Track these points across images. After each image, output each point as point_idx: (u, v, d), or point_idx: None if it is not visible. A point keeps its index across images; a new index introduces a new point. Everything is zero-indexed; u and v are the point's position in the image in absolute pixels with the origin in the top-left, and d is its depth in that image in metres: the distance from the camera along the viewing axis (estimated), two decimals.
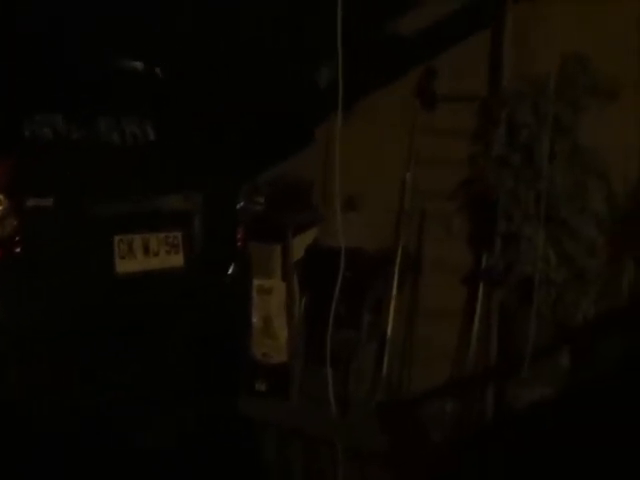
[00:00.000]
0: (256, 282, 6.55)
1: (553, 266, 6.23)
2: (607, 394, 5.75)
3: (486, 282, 6.59)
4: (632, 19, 6.19)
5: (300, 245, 6.82)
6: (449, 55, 6.69)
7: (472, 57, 6.63)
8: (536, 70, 6.23)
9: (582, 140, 6.22)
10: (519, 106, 6.32)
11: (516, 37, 6.52)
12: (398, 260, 6.79)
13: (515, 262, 6.36)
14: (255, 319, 6.65)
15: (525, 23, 6.46)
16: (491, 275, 6.52)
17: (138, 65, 5.81)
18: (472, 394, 6.68)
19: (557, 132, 6.12)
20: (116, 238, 5.25)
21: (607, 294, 6.23)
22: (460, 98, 6.61)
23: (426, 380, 6.83)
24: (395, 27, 6.87)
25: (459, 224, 6.69)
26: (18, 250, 4.73)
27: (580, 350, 6.29)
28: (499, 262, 6.45)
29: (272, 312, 6.66)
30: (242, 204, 6.31)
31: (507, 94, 6.44)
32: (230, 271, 6.08)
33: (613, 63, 6.10)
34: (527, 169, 6.25)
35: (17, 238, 4.72)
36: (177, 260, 5.70)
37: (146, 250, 5.47)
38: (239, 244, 6.23)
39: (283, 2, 6.46)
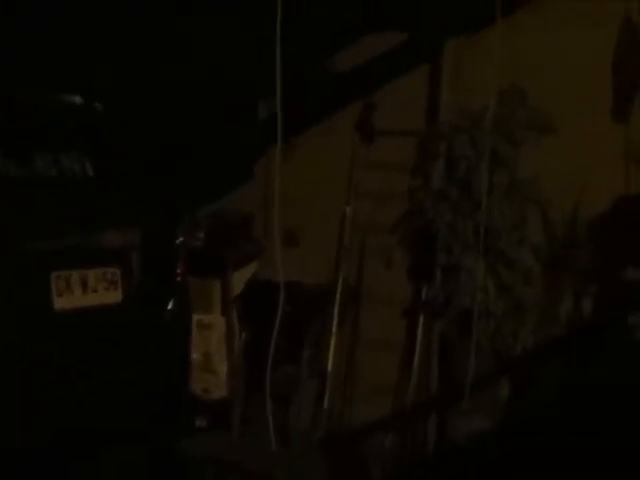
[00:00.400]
0: (196, 317, 6.49)
1: (492, 297, 6.28)
2: (546, 423, 5.79)
3: (426, 314, 6.62)
4: (566, 52, 6.33)
5: (240, 279, 6.79)
6: (388, 89, 6.75)
7: (410, 91, 6.70)
8: (473, 104, 6.31)
9: (519, 172, 6.30)
10: (457, 140, 6.39)
11: (453, 71, 6.62)
12: (338, 294, 6.80)
13: (455, 293, 6.40)
14: (195, 354, 6.58)
15: (462, 58, 6.56)
16: (431, 307, 6.55)
17: (77, 100, 5.75)
18: (413, 426, 6.69)
19: (495, 165, 6.19)
20: (53, 274, 5.16)
21: (545, 323, 6.29)
22: (399, 132, 6.66)
23: (367, 413, 6.83)
24: (334, 62, 6.92)
25: (399, 257, 6.72)
26: None
27: (519, 380, 6.34)
28: (439, 294, 6.49)
29: (212, 347, 6.61)
30: (181, 239, 6.26)
31: (445, 128, 6.52)
32: (169, 307, 6.02)
33: (549, 96, 6.20)
34: (466, 202, 6.31)
35: None
36: (115, 296, 5.62)
37: (84, 286, 5.39)
38: (178, 279, 6.16)
39: (222, 37, 6.45)
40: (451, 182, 6.42)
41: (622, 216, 6.25)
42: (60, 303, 5.18)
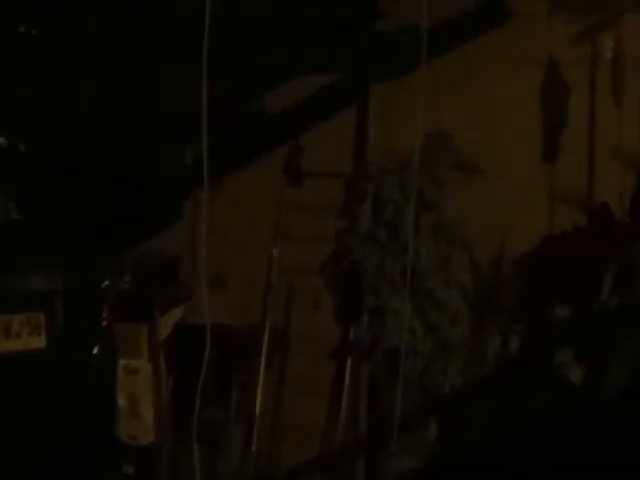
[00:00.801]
0: (122, 362, 6.40)
1: (419, 337, 6.31)
2: (473, 461, 5.81)
3: (354, 355, 6.62)
4: (491, 97, 6.44)
5: (167, 323, 6.71)
6: (316, 131, 6.78)
7: (338, 133, 6.75)
8: (400, 146, 6.37)
9: (446, 213, 6.37)
10: (385, 182, 6.44)
11: (381, 114, 6.68)
12: (266, 336, 6.76)
13: (382, 334, 6.41)
14: (121, 400, 6.48)
15: (389, 100, 6.64)
16: (359, 348, 6.55)
17: (1, 141, 5.69)
18: (342, 468, 6.66)
19: (422, 207, 6.24)
20: None
21: (473, 362, 6.33)
22: (326, 174, 6.68)
23: (296, 456, 6.78)
24: (261, 104, 6.93)
25: (326, 299, 6.72)
26: None
27: (447, 419, 6.36)
28: (366, 335, 6.49)
29: (138, 392, 6.51)
30: (107, 282, 6.20)
31: (373, 170, 6.56)
32: (95, 351, 5.94)
33: (474, 139, 6.30)
34: (393, 243, 6.35)
35: None
36: (39, 342, 5.54)
37: (7, 332, 5.30)
38: (104, 323, 6.10)
39: (147, 76, 6.44)
40: (378, 224, 6.46)
41: (547, 255, 6.35)
42: None
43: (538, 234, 6.37)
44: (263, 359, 6.76)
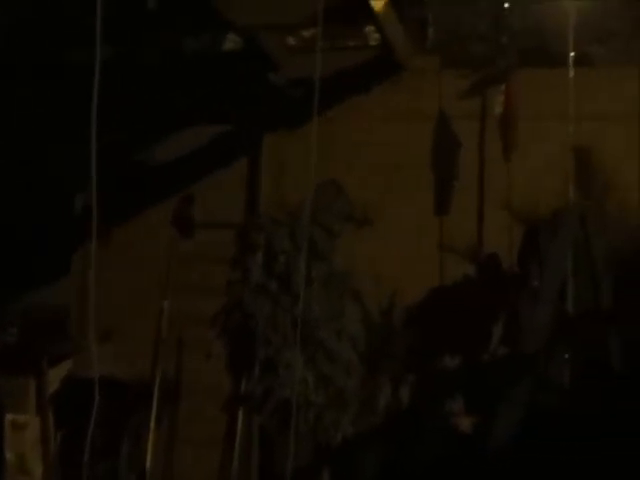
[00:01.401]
0: (9, 417, 6.26)
1: (311, 388, 6.29)
2: None
3: (246, 407, 6.57)
4: (382, 149, 6.54)
5: (55, 377, 6.60)
6: (207, 182, 6.77)
7: (230, 184, 6.75)
8: (292, 197, 6.39)
9: (337, 264, 6.40)
10: (276, 233, 6.45)
11: (273, 165, 6.73)
12: (157, 389, 6.68)
13: (274, 386, 6.38)
14: (8, 455, 6.33)
15: (281, 151, 6.68)
16: (250, 400, 6.51)
17: None
18: None
19: (313, 258, 6.25)
20: None
21: (365, 412, 6.34)
22: (218, 225, 6.67)
23: None
24: (153, 153, 6.90)
25: (218, 351, 6.67)
26: None
27: (340, 469, 6.35)
28: (258, 387, 6.46)
29: (26, 448, 6.37)
30: None
31: (264, 221, 6.57)
32: None
33: (366, 190, 6.37)
34: (285, 295, 6.35)
35: None
36: None
37: None
38: None
39: (34, 130, 6.36)
40: (270, 275, 6.46)
41: (438, 305, 6.42)
42: None
43: (428, 284, 6.46)
44: (154, 412, 6.68)
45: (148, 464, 6.65)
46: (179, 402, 6.83)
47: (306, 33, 6.72)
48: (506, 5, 6.67)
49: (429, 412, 6.21)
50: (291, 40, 6.92)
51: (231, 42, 6.94)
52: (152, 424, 6.65)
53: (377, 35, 6.75)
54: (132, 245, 6.91)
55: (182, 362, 6.82)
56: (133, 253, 6.90)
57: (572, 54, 5.85)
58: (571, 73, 5.83)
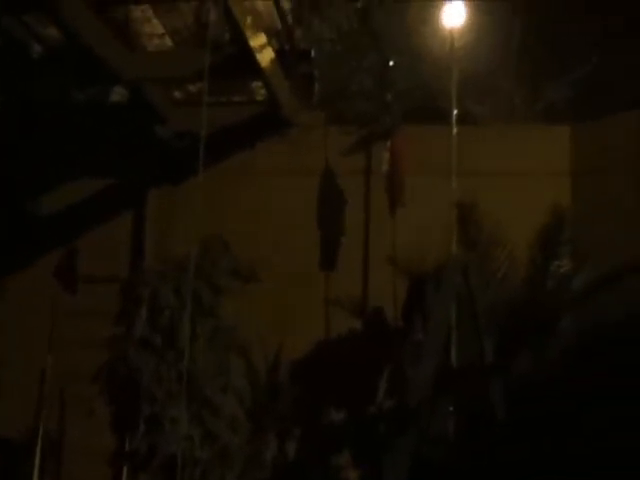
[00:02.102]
0: None
1: (197, 444, 6.22)
2: None
3: (130, 465, 6.46)
4: (269, 205, 6.58)
5: None
6: (92, 235, 6.69)
7: (114, 238, 6.70)
8: (178, 251, 6.36)
9: (223, 319, 6.37)
10: (161, 287, 6.39)
11: (158, 219, 6.70)
12: (38, 446, 6.53)
13: (159, 443, 6.28)
14: None
15: (167, 205, 6.65)
16: (135, 457, 6.40)
17: None
18: None
19: (199, 313, 6.22)
20: None
21: (251, 467, 6.29)
22: (102, 279, 6.59)
23: None
24: (36, 206, 6.80)
25: (101, 407, 6.55)
26: None
27: None
28: (143, 444, 6.35)
29: None
30: None
31: (149, 275, 6.51)
32: None
33: (252, 246, 6.38)
34: (169, 350, 6.29)
35: None
36: None
37: None
38: None
39: None
40: (154, 330, 6.38)
41: (324, 360, 6.44)
42: None
43: (314, 339, 6.48)
44: (36, 470, 6.52)
45: None
46: (61, 459, 6.68)
47: (192, 87, 6.76)
48: (391, 63, 6.81)
49: (316, 466, 6.19)
50: (177, 94, 6.96)
51: (118, 94, 6.94)
52: None
53: (263, 91, 6.83)
54: (14, 299, 6.78)
55: (65, 418, 6.69)
56: (14, 307, 6.76)
57: (455, 112, 5.95)
58: (455, 130, 5.93)
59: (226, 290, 6.40)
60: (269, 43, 6.07)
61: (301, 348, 6.44)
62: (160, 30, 6.71)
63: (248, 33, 5.56)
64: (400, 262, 6.41)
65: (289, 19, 6.64)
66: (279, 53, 6.34)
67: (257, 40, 5.76)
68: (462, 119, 6.21)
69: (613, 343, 5.90)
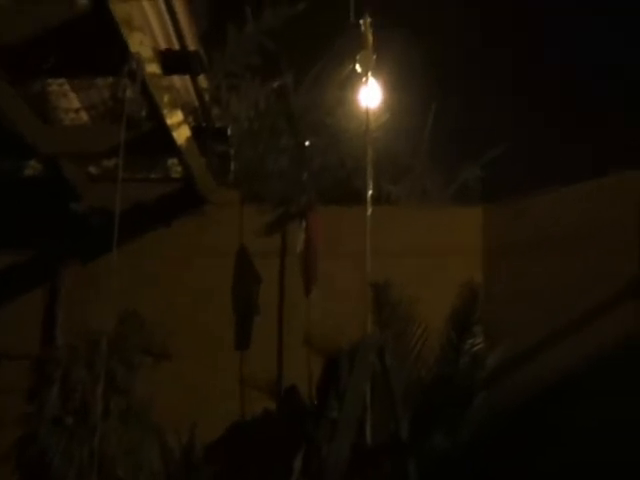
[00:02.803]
0: None
1: None
2: None
3: None
4: (183, 283, 6.56)
5: None
6: (3, 311, 6.58)
7: (27, 314, 6.59)
8: (92, 328, 6.27)
9: (137, 398, 6.29)
10: (73, 364, 6.30)
11: (72, 295, 6.60)
12: None
13: None
14: None
15: (80, 281, 6.58)
16: None
17: None
18: None
19: (112, 390, 6.13)
20: None
21: None
22: (14, 356, 6.46)
23: None
24: None
25: None
26: None
27: None
28: None
29: None
30: None
31: (61, 352, 6.41)
32: None
33: (166, 324, 6.35)
34: (81, 428, 6.17)
35: None
36: None
37: None
38: None
39: None
40: (66, 408, 6.27)
41: (237, 440, 6.38)
42: None
43: (229, 419, 6.41)
44: None
45: None
46: None
47: (108, 163, 6.75)
48: (307, 143, 6.89)
49: None
50: (93, 169, 6.93)
51: (32, 168, 6.89)
52: None
53: (179, 168, 6.85)
54: None
55: None
56: None
57: (370, 192, 6.01)
58: (369, 211, 5.99)
59: (140, 368, 6.33)
60: (186, 120, 6.09)
61: (216, 428, 6.36)
62: (77, 104, 6.72)
63: (165, 110, 5.57)
64: (315, 341, 6.42)
65: (206, 97, 6.69)
66: (196, 130, 6.36)
67: (174, 117, 5.77)
68: (377, 199, 6.29)
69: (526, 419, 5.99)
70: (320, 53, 7.09)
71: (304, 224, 6.71)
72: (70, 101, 6.75)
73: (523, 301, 6.37)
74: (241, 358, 6.61)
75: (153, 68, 5.18)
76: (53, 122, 6.66)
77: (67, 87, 6.61)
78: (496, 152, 7.19)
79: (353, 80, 6.19)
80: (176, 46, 5.72)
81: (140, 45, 4.89)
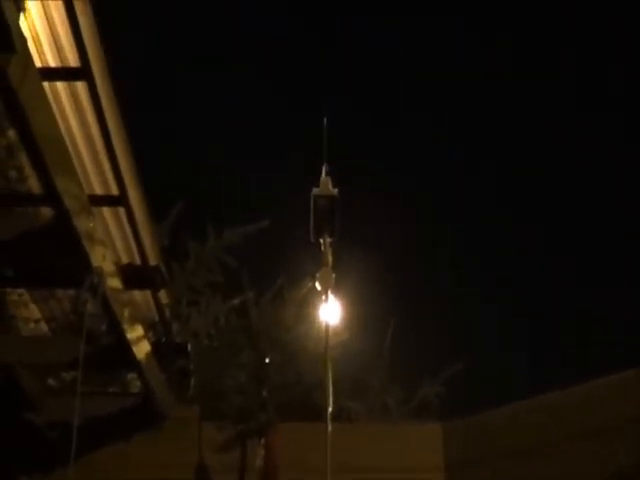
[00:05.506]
0: None
1: None
2: None
3: None
4: None
5: None
6: None
7: None
8: None
9: None
10: None
11: None
12: None
13: None
14: None
15: None
16: None
17: None
18: None
19: None
20: None
21: None
22: None
23: None
24: None
25: None
26: None
27: None
28: None
29: None
30: None
31: None
32: None
33: None
34: None
35: None
36: None
37: None
38: None
39: None
40: None
41: None
42: None
43: None
44: None
45: None
46: None
47: (67, 375, 6.69)
48: (267, 360, 6.90)
49: None
50: (51, 381, 6.86)
51: None
52: None
53: (139, 382, 6.80)
54: None
55: None
56: None
57: (330, 409, 6.00)
58: (329, 427, 5.96)
59: None
60: (146, 335, 6.12)
61: None
62: (36, 315, 6.72)
63: (125, 325, 5.60)
64: None
65: (167, 312, 6.73)
66: (155, 345, 6.37)
67: (134, 332, 5.80)
68: (337, 416, 6.26)
69: None
70: (280, 270, 7.22)
71: (263, 440, 6.65)
72: (30, 311, 6.75)
73: None
74: None
75: (114, 282, 5.24)
76: (11, 331, 6.64)
77: (27, 297, 6.63)
78: (455, 369, 7.26)
79: (313, 297, 6.28)
80: (137, 260, 5.79)
81: (102, 259, 4.97)
